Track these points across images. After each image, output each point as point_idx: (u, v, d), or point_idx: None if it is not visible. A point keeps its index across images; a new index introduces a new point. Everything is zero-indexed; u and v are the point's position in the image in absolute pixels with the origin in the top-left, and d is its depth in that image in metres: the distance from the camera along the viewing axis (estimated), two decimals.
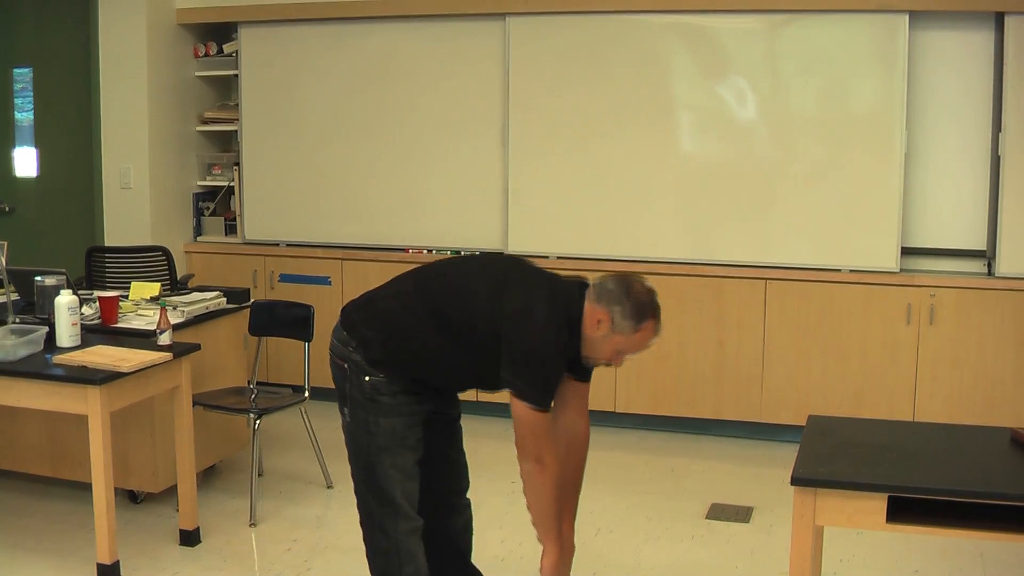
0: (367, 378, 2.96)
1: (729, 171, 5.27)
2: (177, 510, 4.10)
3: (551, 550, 2.95)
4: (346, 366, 3.00)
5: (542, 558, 2.96)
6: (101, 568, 3.65)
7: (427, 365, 2.98)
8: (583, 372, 3.01)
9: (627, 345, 2.86)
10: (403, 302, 3.00)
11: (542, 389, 2.81)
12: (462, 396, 3.19)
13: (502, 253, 3.13)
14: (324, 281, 5.90)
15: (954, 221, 5.14)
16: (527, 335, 2.81)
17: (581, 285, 2.93)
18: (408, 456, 3.00)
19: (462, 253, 5.68)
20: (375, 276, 5.67)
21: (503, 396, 2.89)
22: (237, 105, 6.12)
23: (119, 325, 4.24)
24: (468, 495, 3.30)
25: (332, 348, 3.06)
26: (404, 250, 5.82)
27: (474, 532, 3.34)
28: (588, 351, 2.89)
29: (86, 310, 4.24)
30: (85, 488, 3.91)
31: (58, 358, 3.71)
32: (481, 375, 3.00)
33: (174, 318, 4.23)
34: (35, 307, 4.22)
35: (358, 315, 3.04)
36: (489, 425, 4.38)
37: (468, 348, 2.92)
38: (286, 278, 5.98)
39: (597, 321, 2.84)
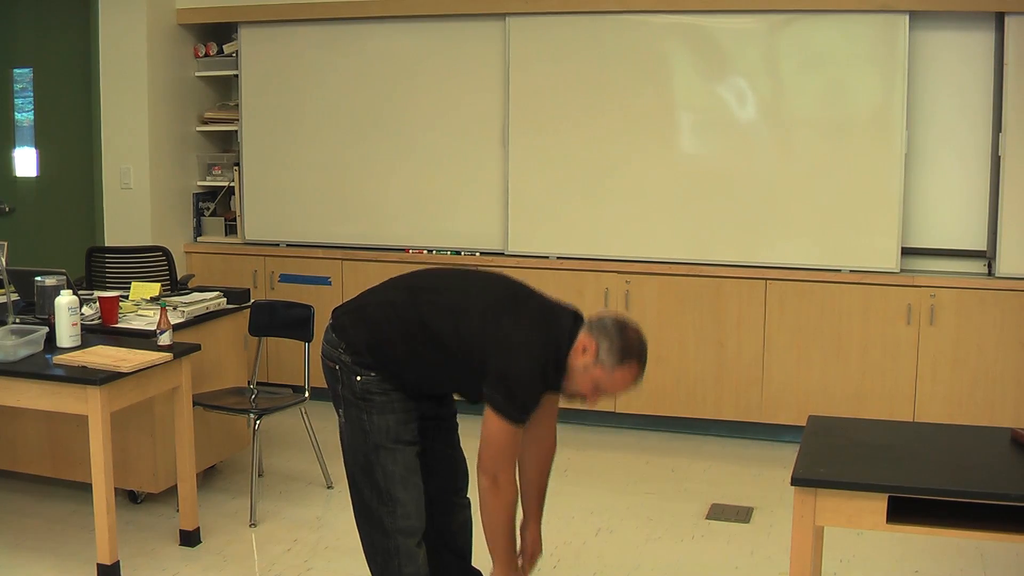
0: (357, 377, 2.97)
1: (729, 171, 5.27)
2: (177, 510, 4.10)
3: (498, 567, 2.97)
4: (336, 367, 3.01)
5: (492, 573, 3.00)
6: (101, 568, 3.66)
7: (412, 372, 2.99)
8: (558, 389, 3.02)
9: (606, 381, 2.86)
10: (395, 311, 3.00)
11: (520, 408, 2.83)
12: (458, 397, 3.20)
13: (502, 274, 3.14)
14: (324, 281, 5.90)
15: (954, 221, 5.13)
16: (513, 359, 2.83)
17: (576, 317, 2.95)
18: (407, 451, 3.00)
19: (462, 253, 5.69)
20: (375, 276, 5.65)
21: None
22: (237, 105, 6.12)
23: (119, 325, 4.24)
24: (467, 495, 3.30)
25: (323, 351, 3.07)
26: (404, 250, 5.82)
27: (473, 532, 3.34)
28: (568, 380, 2.91)
29: (86, 310, 4.24)
30: (85, 488, 3.91)
31: (58, 358, 3.71)
32: (463, 387, 3.04)
33: (174, 318, 4.23)
34: (35, 307, 4.22)
35: (348, 319, 3.05)
36: None
37: (453, 363, 2.94)
38: (286, 278, 5.98)
39: (583, 348, 2.86)
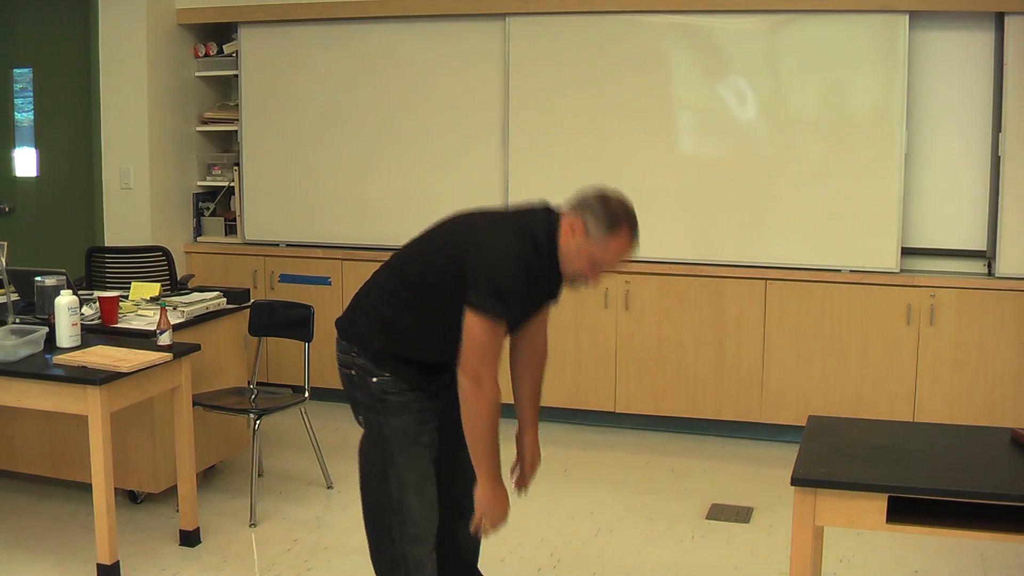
0: (373, 379, 2.95)
1: (729, 171, 5.27)
2: (177, 510, 4.10)
3: (483, 481, 2.89)
4: (352, 372, 2.99)
5: (475, 487, 2.92)
6: (101, 568, 3.66)
7: (425, 341, 2.96)
8: (553, 295, 3.00)
9: (601, 255, 2.84)
10: (383, 289, 3.01)
11: (498, 300, 2.77)
12: None
13: (464, 212, 3.13)
14: (324, 281, 5.90)
15: (954, 221, 5.13)
16: (487, 256, 2.80)
17: (547, 207, 2.94)
18: (422, 454, 2.97)
19: None
20: None
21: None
22: (237, 105, 6.12)
23: (119, 325, 4.24)
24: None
25: (338, 360, 3.05)
26: None
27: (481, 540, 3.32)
28: (565, 266, 2.88)
29: (86, 310, 4.24)
30: (85, 488, 3.91)
31: (58, 358, 3.71)
32: None
33: (174, 318, 4.23)
34: (35, 307, 4.22)
35: (349, 319, 3.05)
36: None
37: (451, 303, 2.86)
38: (286, 278, 5.98)
39: (571, 229, 2.84)
